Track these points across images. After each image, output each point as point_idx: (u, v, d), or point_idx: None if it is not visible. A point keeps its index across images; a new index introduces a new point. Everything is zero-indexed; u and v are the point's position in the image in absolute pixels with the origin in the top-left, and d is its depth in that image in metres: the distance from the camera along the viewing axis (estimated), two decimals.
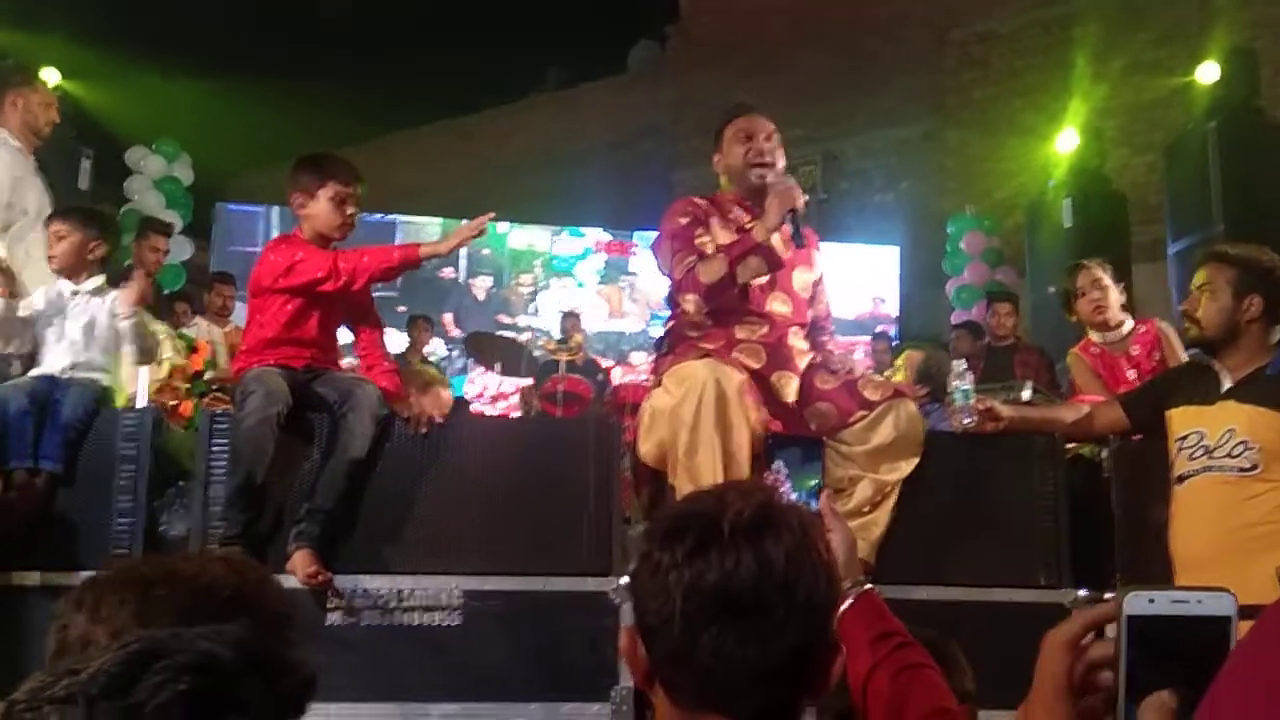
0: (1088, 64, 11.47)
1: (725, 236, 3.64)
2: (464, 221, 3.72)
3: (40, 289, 4.11)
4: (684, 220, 3.68)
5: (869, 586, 1.33)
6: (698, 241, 3.62)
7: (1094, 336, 4.75)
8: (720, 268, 3.52)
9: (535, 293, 9.67)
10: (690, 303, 3.57)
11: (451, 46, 14.61)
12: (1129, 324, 4.71)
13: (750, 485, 1.41)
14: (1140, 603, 1.00)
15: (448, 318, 11.65)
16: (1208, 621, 0.98)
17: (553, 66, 15.67)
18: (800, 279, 3.78)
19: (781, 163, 3.77)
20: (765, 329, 3.63)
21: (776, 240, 3.55)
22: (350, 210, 3.72)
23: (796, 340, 3.74)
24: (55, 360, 3.94)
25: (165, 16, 12.80)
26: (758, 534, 1.21)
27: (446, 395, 5.20)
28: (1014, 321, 7.85)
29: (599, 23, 14.80)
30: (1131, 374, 4.54)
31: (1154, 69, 10.97)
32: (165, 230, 6.85)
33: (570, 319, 9.57)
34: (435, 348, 10.63)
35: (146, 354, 4.25)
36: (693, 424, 3.30)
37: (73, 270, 4.07)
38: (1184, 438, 3.36)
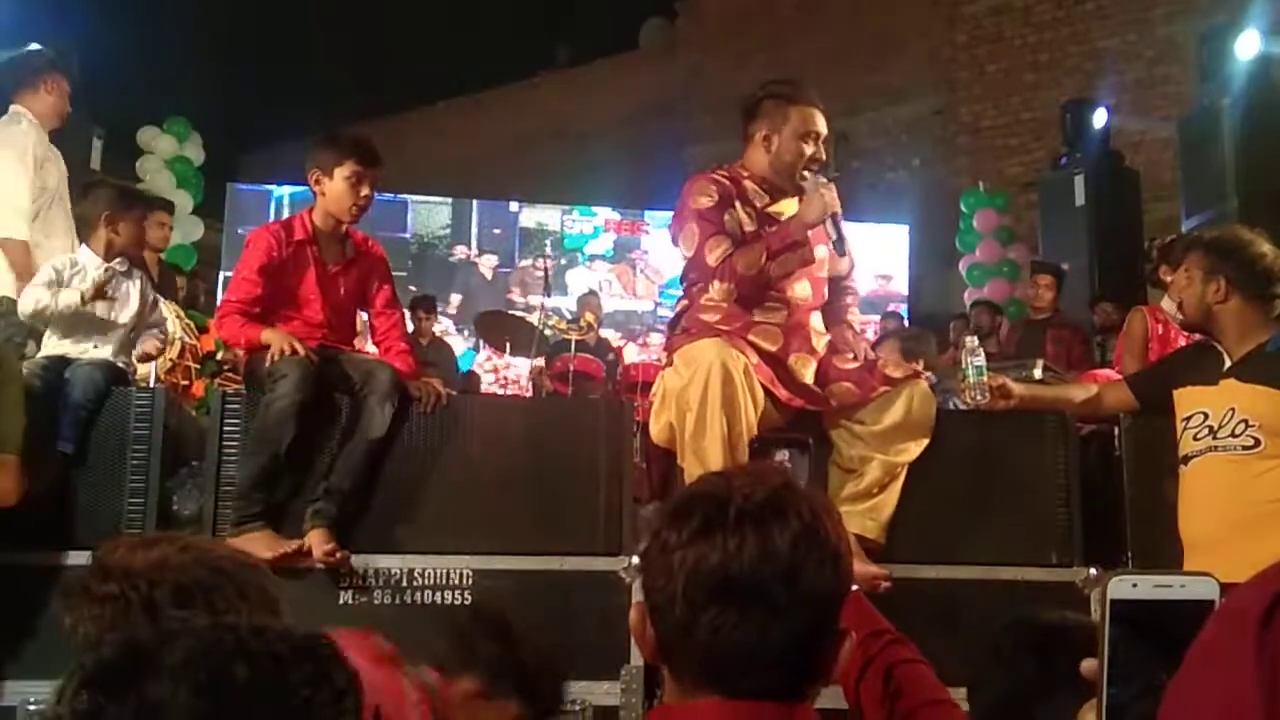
0: (1101, 38, 11.41)
1: (745, 219, 3.61)
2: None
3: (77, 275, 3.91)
4: (708, 201, 3.59)
5: (855, 588, 1.35)
6: (727, 225, 3.57)
7: (1167, 306, 4.76)
8: (758, 259, 3.51)
9: (548, 273, 9.60)
10: (720, 291, 3.54)
11: (462, 24, 14.58)
12: None
13: (766, 469, 1.41)
14: (1124, 587, 0.99)
15: (455, 298, 11.62)
16: (1191, 606, 0.97)
17: (563, 44, 15.62)
18: (817, 256, 3.75)
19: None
20: (784, 313, 3.61)
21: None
22: (365, 192, 3.71)
23: (815, 323, 3.71)
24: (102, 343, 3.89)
25: None
26: (764, 519, 1.21)
27: None
28: (1053, 295, 7.79)
29: (609, 0, 14.74)
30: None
31: (1167, 43, 10.91)
32: (170, 207, 6.88)
33: (589, 298, 9.53)
34: (445, 326, 10.63)
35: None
36: (699, 406, 3.29)
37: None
38: (1189, 418, 3.35)
